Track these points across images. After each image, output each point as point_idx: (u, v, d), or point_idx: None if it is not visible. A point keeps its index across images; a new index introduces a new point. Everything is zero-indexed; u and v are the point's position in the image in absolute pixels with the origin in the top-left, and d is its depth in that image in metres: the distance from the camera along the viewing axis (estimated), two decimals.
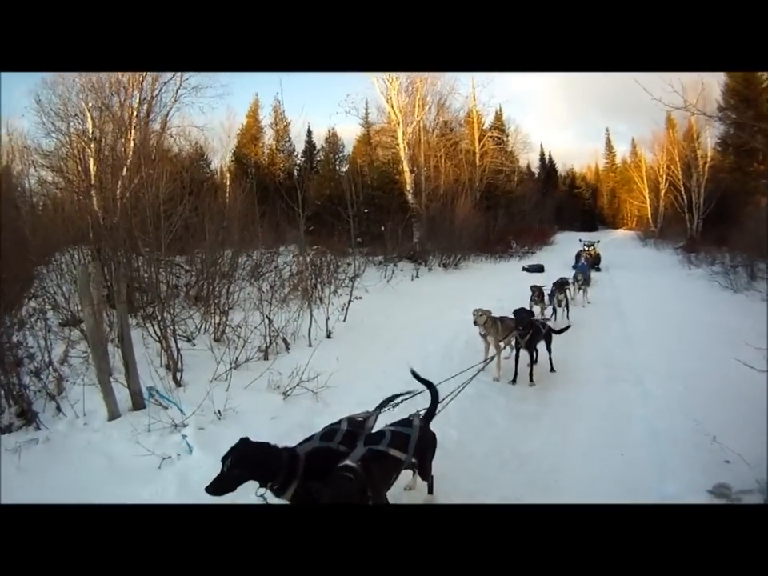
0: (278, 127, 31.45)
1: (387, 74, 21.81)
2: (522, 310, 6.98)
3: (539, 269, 18.45)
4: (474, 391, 5.81)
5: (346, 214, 16.51)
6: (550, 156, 46.25)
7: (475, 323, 6.96)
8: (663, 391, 6.12)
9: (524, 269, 19.34)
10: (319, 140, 31.83)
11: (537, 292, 10.42)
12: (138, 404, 5.23)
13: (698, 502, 3.60)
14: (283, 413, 5.42)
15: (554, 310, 10.49)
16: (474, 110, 30.06)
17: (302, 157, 31.77)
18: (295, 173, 29.78)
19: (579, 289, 12.86)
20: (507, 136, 33.58)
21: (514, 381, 6.64)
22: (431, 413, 3.92)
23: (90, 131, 14.53)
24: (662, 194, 33.02)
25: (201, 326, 7.56)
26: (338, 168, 29.42)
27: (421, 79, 23.03)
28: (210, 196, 11.85)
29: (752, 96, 24.10)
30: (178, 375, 5.96)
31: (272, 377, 5.94)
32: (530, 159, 39.12)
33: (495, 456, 4.69)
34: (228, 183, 22.65)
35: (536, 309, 10.03)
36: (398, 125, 22.61)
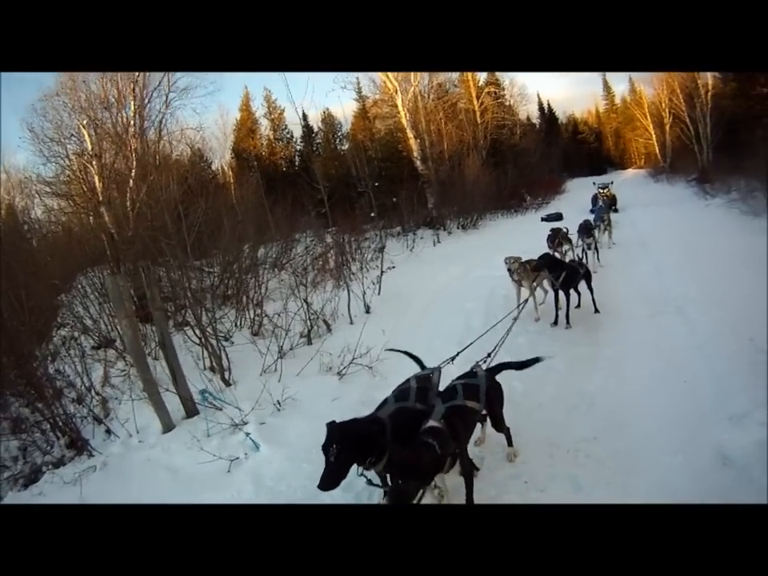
0: (273, 116, 31.14)
1: None
2: (546, 254, 7.34)
3: (558, 217, 18.00)
4: (525, 341, 5.95)
5: (356, 191, 16.34)
6: (548, 105, 45.31)
7: (509, 270, 7.21)
8: (707, 317, 6.14)
9: (542, 219, 18.92)
10: (315, 122, 31.36)
11: (552, 237, 10.28)
12: (190, 411, 5.21)
13: (765, 420, 3.68)
14: (341, 393, 5.42)
15: (584, 254, 10.09)
16: None
17: (301, 142, 31.40)
18: (297, 159, 29.74)
19: (605, 230, 12.65)
20: (503, 90, 32.90)
21: (555, 322, 6.88)
22: (497, 368, 4.07)
23: (90, 148, 14.35)
24: (667, 127, 32.08)
25: (236, 322, 7.57)
26: (339, 147, 29.35)
27: None
28: (220, 195, 11.80)
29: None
30: (226, 375, 5.93)
31: (322, 359, 5.95)
32: (529, 111, 38.07)
33: (562, 401, 4.78)
34: (232, 180, 22.58)
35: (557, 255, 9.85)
36: (396, 92, 22.31)
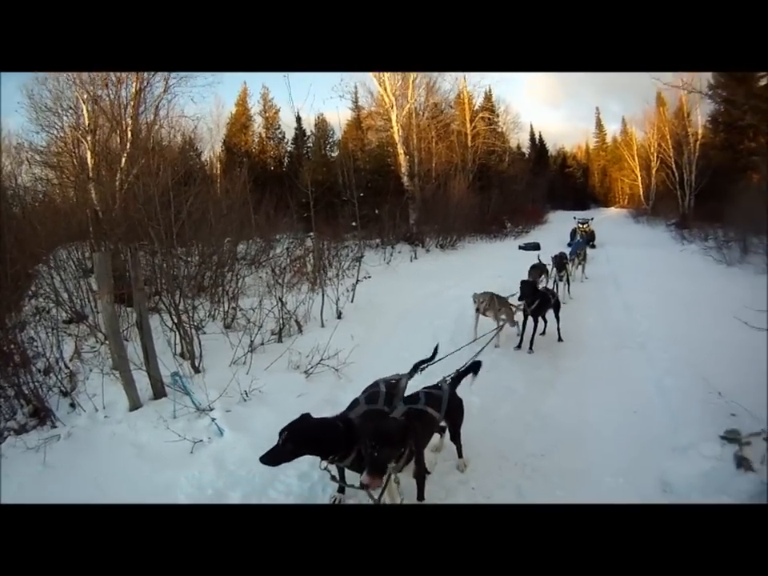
0: (268, 115, 31.23)
1: None
2: (526, 281, 7.56)
3: (535, 247, 18.33)
4: (489, 360, 5.94)
5: (341, 198, 16.42)
6: (540, 136, 46.13)
7: (478, 310, 7.40)
8: (668, 354, 6.47)
9: (520, 247, 19.44)
10: (309, 126, 31.46)
11: (536, 272, 10.39)
12: (159, 392, 5.24)
13: (709, 454, 3.90)
14: (308, 390, 5.57)
15: (555, 286, 10.31)
16: (464, 91, 29.81)
17: (292, 144, 31.47)
18: (286, 160, 29.82)
19: (579, 264, 13.01)
20: (497, 117, 33.40)
21: (519, 346, 7.10)
22: (456, 379, 4.24)
23: (87, 123, 14.33)
24: (654, 171, 32.92)
25: (211, 312, 7.61)
26: (329, 153, 29.34)
27: None
28: (207, 186, 11.78)
29: (743, 74, 24.09)
30: (197, 362, 5.99)
31: (291, 357, 6.08)
32: (520, 140, 38.93)
33: (518, 419, 5.00)
34: (219, 173, 22.52)
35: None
36: (392, 108, 22.47)
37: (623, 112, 49.67)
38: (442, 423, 3.97)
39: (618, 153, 42.26)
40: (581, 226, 21.22)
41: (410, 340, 7.24)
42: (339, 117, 36.91)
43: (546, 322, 7.48)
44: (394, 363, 4.95)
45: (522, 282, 7.37)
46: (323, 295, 8.15)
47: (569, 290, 10.61)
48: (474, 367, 4.35)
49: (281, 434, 3.15)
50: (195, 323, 6.83)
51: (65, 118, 15.12)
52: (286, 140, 31.78)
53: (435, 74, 25.36)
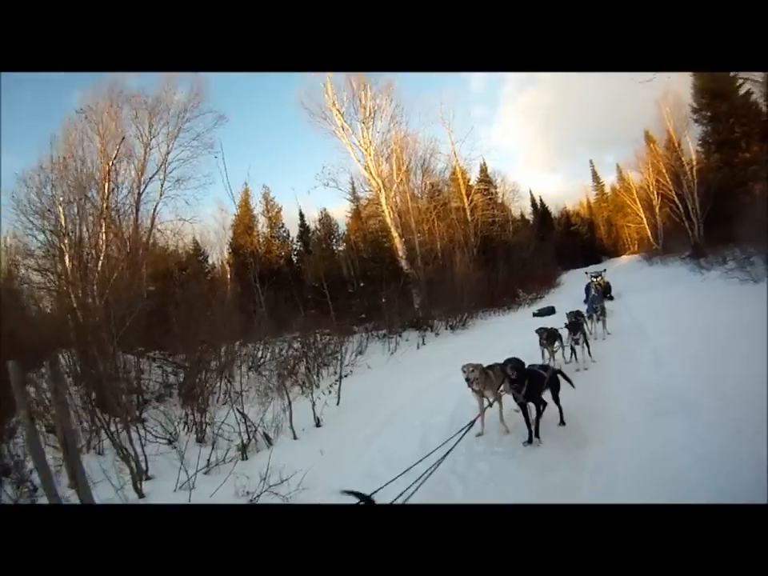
0: (270, 214, 31.67)
1: (361, 139, 22.26)
2: (513, 359, 6.02)
3: (550, 311, 17.71)
4: (487, 468, 5.07)
5: (344, 292, 16.26)
6: (541, 201, 46.51)
7: (468, 380, 6.27)
8: (718, 416, 4.97)
9: (534, 314, 18.65)
10: (312, 222, 32.00)
11: (545, 334, 9.41)
12: None
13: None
14: None
15: (573, 351, 9.46)
16: (456, 166, 30.07)
17: (297, 241, 31.81)
18: (294, 258, 30.26)
19: (598, 320, 12.16)
20: (496, 188, 33.68)
21: (529, 440, 5.77)
22: None
23: (63, 225, 14.42)
24: (657, 209, 32.92)
25: (187, 424, 7.32)
26: (334, 248, 29.71)
27: (395, 140, 23.45)
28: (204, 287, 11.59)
29: (722, 90, 24.64)
30: (139, 485, 5.48)
31: (239, 482, 5.40)
32: (522, 207, 39.43)
33: None
34: (229, 275, 24.09)
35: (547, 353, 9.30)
36: (381, 190, 22.51)
37: (618, 161, 50.02)
38: None
39: (620, 200, 42.54)
40: (594, 279, 20.36)
41: (392, 447, 6.26)
42: (338, 211, 37.43)
43: (545, 403, 6.03)
44: (368, 478, 4.22)
45: (506, 361, 6.03)
46: (289, 402, 7.55)
47: (590, 353, 9.46)
48: None
49: None
50: (167, 437, 6.76)
51: (46, 219, 15.19)
52: (290, 237, 32.11)
53: (427, 155, 26.21)
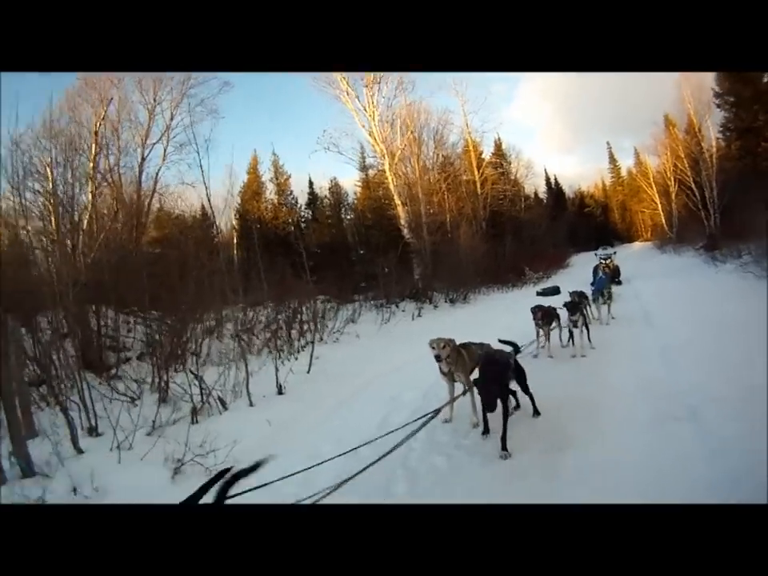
0: (279, 181, 31.33)
1: (366, 103, 22.14)
2: (473, 344, 5.51)
3: (554, 291, 17.13)
4: (444, 463, 4.50)
5: (348, 261, 16.15)
6: (555, 180, 45.79)
7: (437, 357, 5.39)
8: (733, 426, 4.27)
9: (538, 293, 18.03)
10: (321, 190, 31.81)
11: (540, 313, 8.65)
12: (25, 472, 4.95)
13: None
14: (167, 493, 4.32)
15: (571, 334, 8.75)
16: (468, 138, 29.59)
17: (306, 208, 31.59)
18: (302, 225, 30.09)
19: (604, 304, 11.71)
20: (509, 163, 33.32)
21: (485, 431, 4.98)
22: None
23: (51, 187, 14.24)
24: (673, 195, 31.89)
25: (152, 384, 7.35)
26: (343, 216, 29.77)
27: (402, 106, 23.22)
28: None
29: (746, 74, 23.59)
30: (77, 441, 5.46)
31: (167, 448, 5.20)
32: (536, 185, 38.85)
33: None
34: (235, 240, 24.74)
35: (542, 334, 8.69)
36: (384, 156, 22.29)
37: (634, 144, 49.13)
38: None
39: (635, 184, 41.69)
40: (603, 261, 19.95)
41: (351, 423, 5.84)
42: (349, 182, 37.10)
43: (514, 393, 5.36)
44: (310, 459, 3.72)
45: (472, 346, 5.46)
46: (246, 365, 7.32)
47: (589, 338, 8.71)
48: None
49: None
50: (131, 395, 6.85)
51: (36, 180, 15.08)
52: (299, 205, 31.87)
53: (440, 127, 25.93)
